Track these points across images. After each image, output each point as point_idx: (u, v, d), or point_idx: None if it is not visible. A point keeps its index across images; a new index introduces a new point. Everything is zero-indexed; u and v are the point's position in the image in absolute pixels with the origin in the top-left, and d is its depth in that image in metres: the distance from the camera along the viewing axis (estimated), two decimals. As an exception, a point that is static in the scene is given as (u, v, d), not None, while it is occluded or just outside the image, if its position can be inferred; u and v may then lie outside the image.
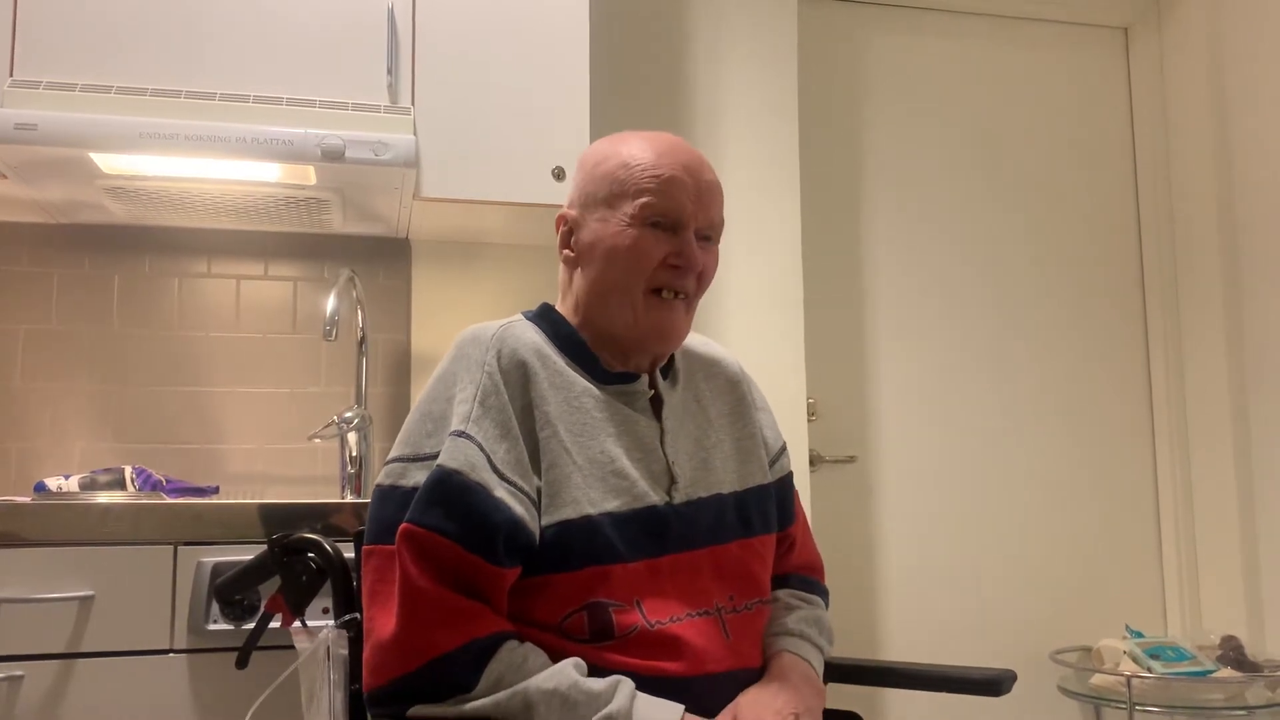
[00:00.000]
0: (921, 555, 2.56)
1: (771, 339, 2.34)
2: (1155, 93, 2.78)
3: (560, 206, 1.21)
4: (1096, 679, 2.34)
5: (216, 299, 2.13)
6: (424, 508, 1.01)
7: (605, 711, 0.97)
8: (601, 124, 2.17)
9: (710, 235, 1.17)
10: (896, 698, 2.43)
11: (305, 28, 1.87)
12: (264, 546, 1.24)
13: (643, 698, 1.00)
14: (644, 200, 1.12)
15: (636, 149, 1.15)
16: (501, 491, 1.02)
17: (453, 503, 1.01)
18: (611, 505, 1.07)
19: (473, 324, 1.16)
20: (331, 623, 1.16)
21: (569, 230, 1.18)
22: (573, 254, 1.17)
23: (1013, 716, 2.42)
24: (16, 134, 1.65)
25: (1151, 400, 2.75)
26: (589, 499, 1.06)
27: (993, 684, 1.16)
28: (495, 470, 1.03)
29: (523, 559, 1.04)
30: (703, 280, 1.18)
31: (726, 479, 1.19)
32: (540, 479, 1.06)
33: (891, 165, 2.66)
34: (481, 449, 1.03)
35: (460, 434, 1.04)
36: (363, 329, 2.09)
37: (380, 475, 1.08)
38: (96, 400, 2.04)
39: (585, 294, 1.16)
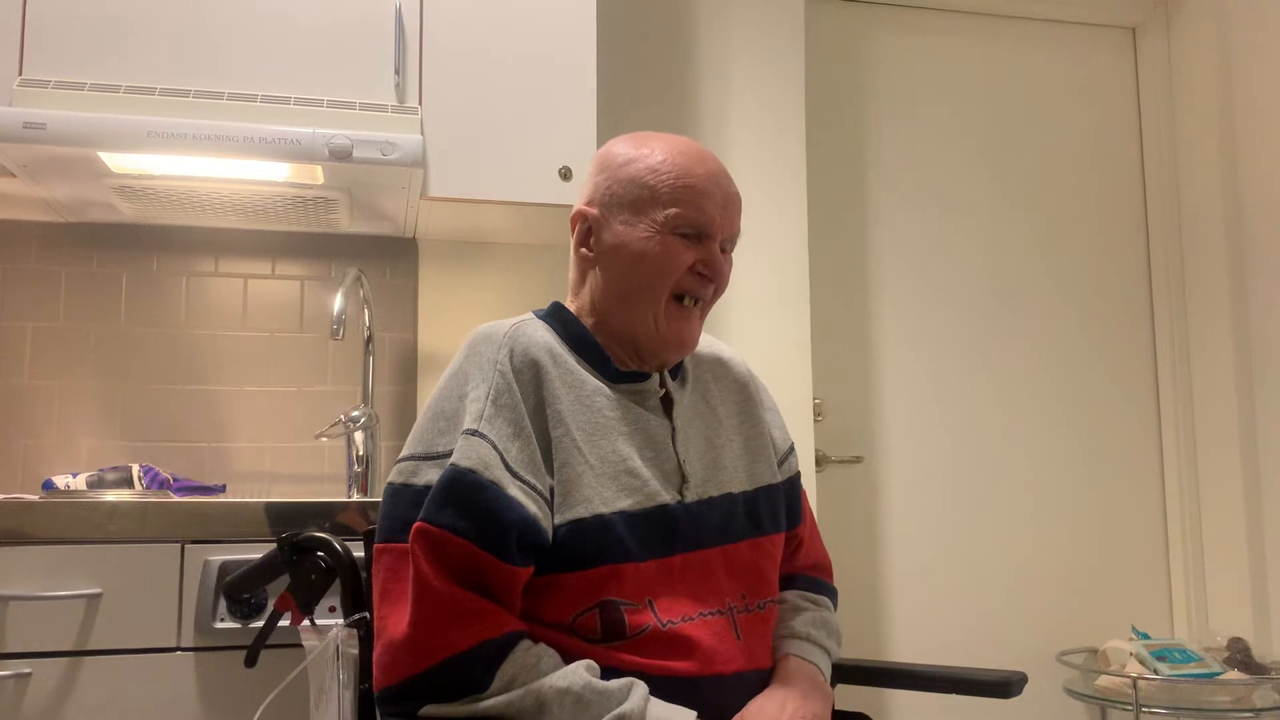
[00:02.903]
0: (928, 556, 2.55)
1: (778, 339, 2.34)
2: (1163, 93, 2.78)
3: (567, 206, 1.21)
4: (1102, 680, 2.33)
5: (224, 298, 2.13)
6: (437, 506, 1.01)
7: (618, 711, 0.97)
8: (608, 124, 2.17)
9: (728, 246, 1.18)
10: (904, 699, 2.42)
11: (313, 28, 1.87)
12: (270, 545, 1.24)
13: (657, 701, 1.00)
14: (674, 210, 1.12)
15: (665, 154, 1.15)
16: (515, 490, 1.02)
17: (466, 501, 1.00)
18: (623, 504, 1.07)
19: (480, 323, 1.17)
20: (340, 621, 1.17)
21: (588, 229, 1.17)
22: (591, 253, 1.17)
23: (1019, 718, 2.42)
24: (25, 133, 1.65)
25: (1158, 401, 2.75)
26: (601, 498, 1.06)
27: (1003, 686, 1.16)
28: (508, 469, 1.03)
29: (536, 558, 1.04)
30: (718, 289, 1.19)
31: (737, 478, 1.19)
32: (553, 478, 1.06)
33: (898, 166, 2.66)
34: (495, 447, 1.03)
35: (473, 432, 1.04)
36: (370, 328, 2.09)
37: (392, 473, 1.08)
38: (104, 398, 2.05)
39: (603, 295, 1.16)
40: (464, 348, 1.13)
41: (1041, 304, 2.71)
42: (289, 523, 1.53)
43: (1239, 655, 2.30)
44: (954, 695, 1.21)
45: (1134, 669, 2.26)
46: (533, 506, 1.03)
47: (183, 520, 1.51)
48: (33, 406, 2.02)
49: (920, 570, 2.54)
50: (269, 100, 1.80)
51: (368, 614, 1.13)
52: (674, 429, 1.16)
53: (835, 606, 1.29)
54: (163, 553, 1.50)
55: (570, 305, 1.20)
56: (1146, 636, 2.40)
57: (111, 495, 1.70)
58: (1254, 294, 2.52)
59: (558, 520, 1.04)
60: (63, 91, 1.72)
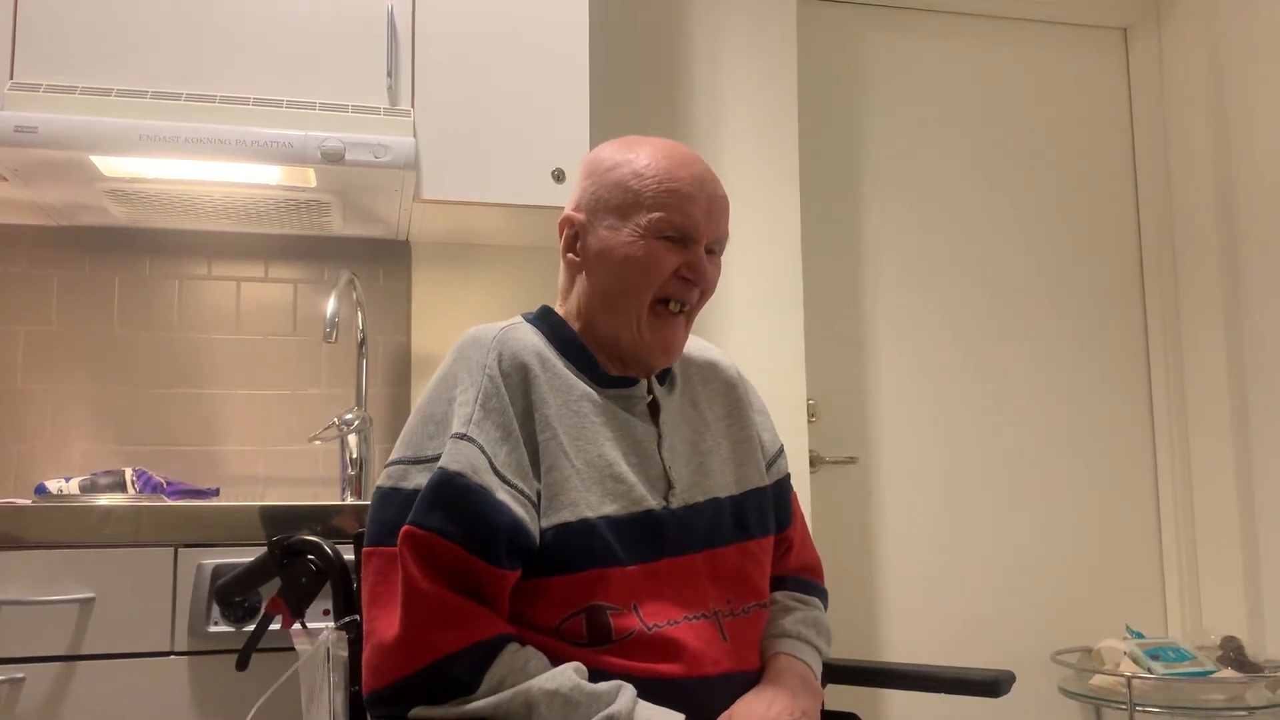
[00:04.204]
0: (922, 556, 2.56)
1: (772, 340, 2.34)
2: (1154, 93, 2.79)
3: (560, 208, 1.21)
4: (1097, 680, 2.34)
5: (217, 301, 2.13)
6: (426, 510, 1.01)
7: (607, 712, 0.97)
8: (601, 126, 2.17)
9: (715, 249, 1.18)
10: (897, 699, 2.43)
11: (305, 30, 1.87)
12: (264, 548, 1.24)
13: (645, 703, 1.00)
14: (658, 214, 1.12)
15: (649, 158, 1.14)
16: (503, 494, 1.02)
17: (455, 505, 1.00)
18: (609, 509, 1.07)
19: (473, 325, 1.16)
20: (331, 624, 1.17)
21: (574, 234, 1.18)
22: (578, 258, 1.17)
23: (1014, 718, 2.43)
24: (17, 136, 1.65)
25: (1151, 400, 2.75)
26: (587, 502, 1.06)
27: (992, 685, 1.17)
28: (497, 473, 1.03)
29: (523, 561, 1.04)
30: (705, 293, 1.18)
31: (724, 483, 1.19)
32: (540, 482, 1.06)
33: (891, 166, 2.67)
34: (483, 451, 1.03)
35: (462, 436, 1.04)
36: (363, 331, 2.09)
37: (381, 477, 1.08)
38: (97, 402, 2.05)
39: (589, 299, 1.16)
40: (452, 351, 1.13)
41: (1035, 303, 2.72)
42: (283, 526, 1.53)
43: (1232, 654, 2.30)
44: (946, 695, 1.21)
45: (1128, 668, 2.26)
46: (520, 510, 1.03)
47: (176, 524, 1.52)
48: (25, 411, 2.02)
49: (914, 570, 2.55)
50: (261, 103, 1.80)
51: (358, 616, 1.13)
52: (660, 435, 1.16)
53: (826, 607, 1.29)
54: (156, 557, 1.50)
55: (559, 309, 1.21)
56: (1140, 635, 2.41)
57: (105, 499, 1.70)
58: (1246, 292, 2.52)
59: (545, 524, 1.05)
60: (54, 95, 1.71)
